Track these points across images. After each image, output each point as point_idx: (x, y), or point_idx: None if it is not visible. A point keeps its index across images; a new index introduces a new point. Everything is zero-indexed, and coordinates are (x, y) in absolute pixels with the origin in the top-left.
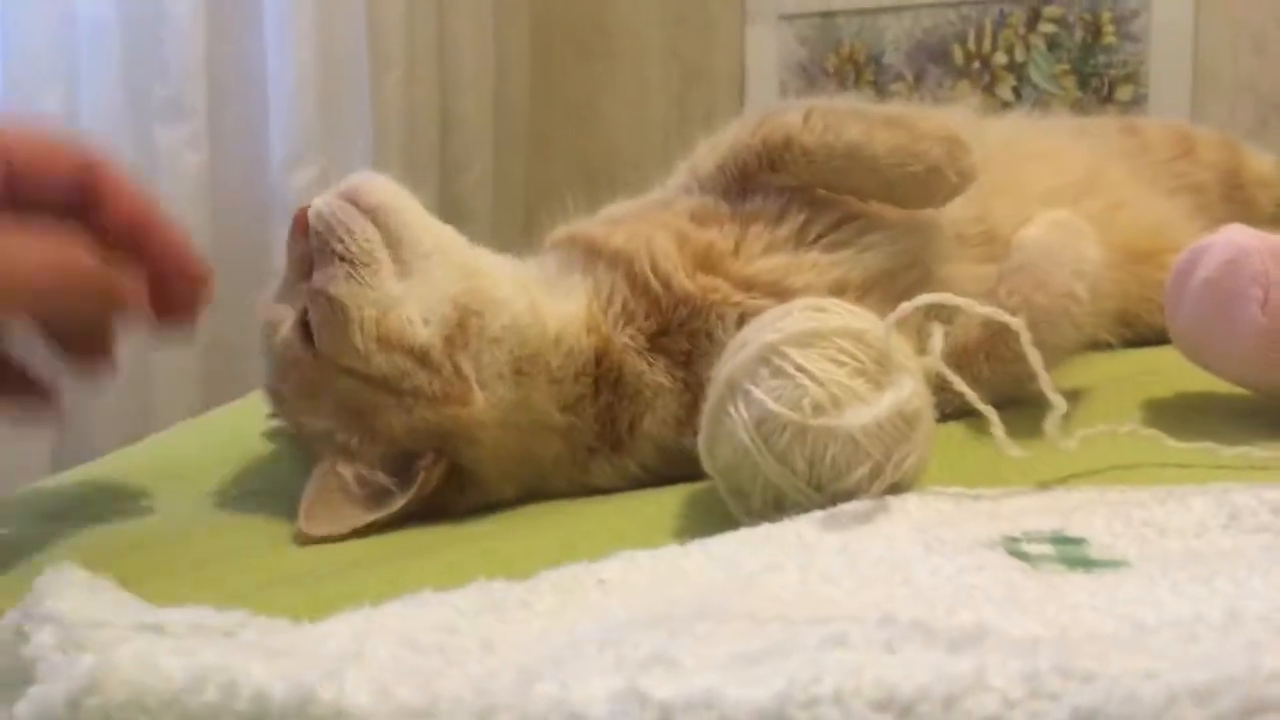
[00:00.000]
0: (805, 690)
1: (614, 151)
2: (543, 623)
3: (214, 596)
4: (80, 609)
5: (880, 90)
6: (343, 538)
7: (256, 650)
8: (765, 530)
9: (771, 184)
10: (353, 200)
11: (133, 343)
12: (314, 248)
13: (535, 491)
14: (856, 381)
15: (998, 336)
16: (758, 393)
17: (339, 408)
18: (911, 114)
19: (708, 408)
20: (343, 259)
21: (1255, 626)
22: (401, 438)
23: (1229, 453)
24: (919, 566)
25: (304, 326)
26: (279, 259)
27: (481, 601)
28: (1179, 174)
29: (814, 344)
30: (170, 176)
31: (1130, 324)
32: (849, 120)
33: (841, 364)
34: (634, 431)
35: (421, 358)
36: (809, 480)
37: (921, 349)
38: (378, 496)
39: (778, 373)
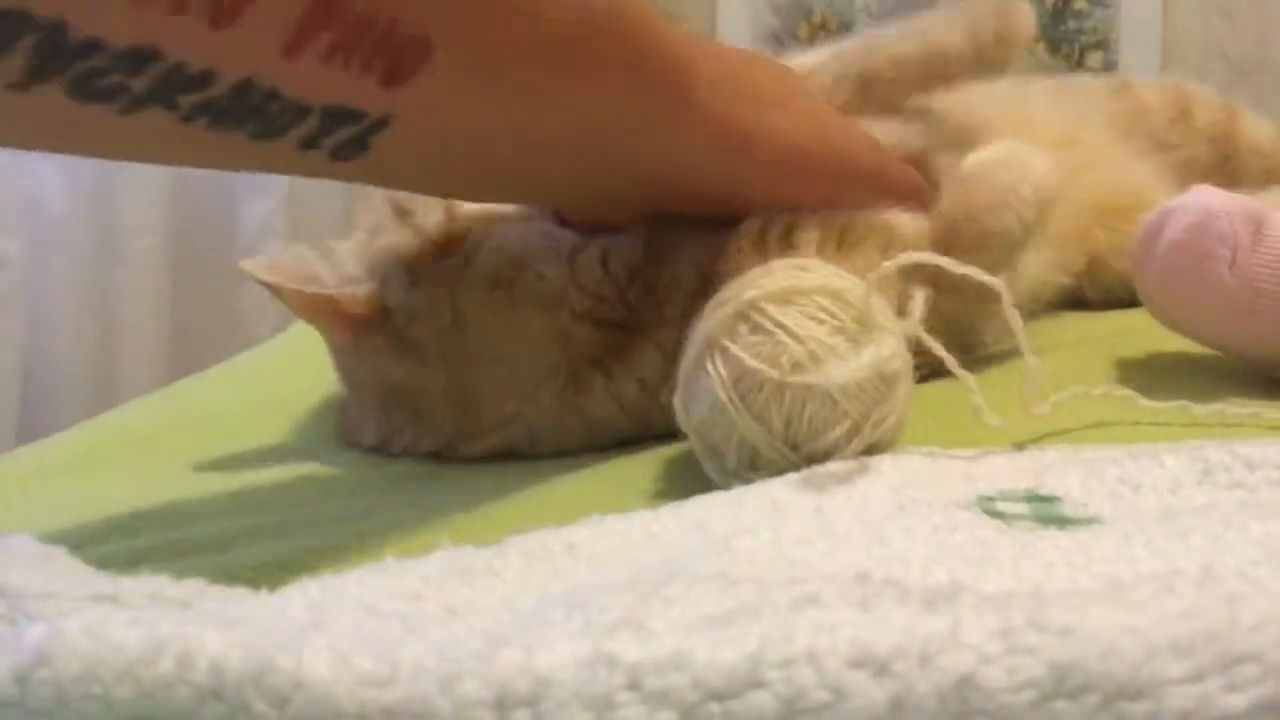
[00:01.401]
0: (779, 650)
1: None
2: (509, 588)
3: None
4: (31, 580)
5: None
6: None
7: (214, 619)
8: (738, 493)
9: None
10: None
11: (98, 317)
12: None
13: None
14: (836, 339)
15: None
16: (735, 349)
17: None
18: None
19: (684, 364)
20: None
21: (1232, 581)
22: None
23: (1203, 410)
24: (893, 527)
25: None
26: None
27: (447, 568)
28: (1169, 138)
29: (793, 301)
30: None
31: (1099, 275)
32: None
33: (821, 321)
34: None
35: None
36: (785, 439)
37: (903, 311)
38: None
39: (756, 329)
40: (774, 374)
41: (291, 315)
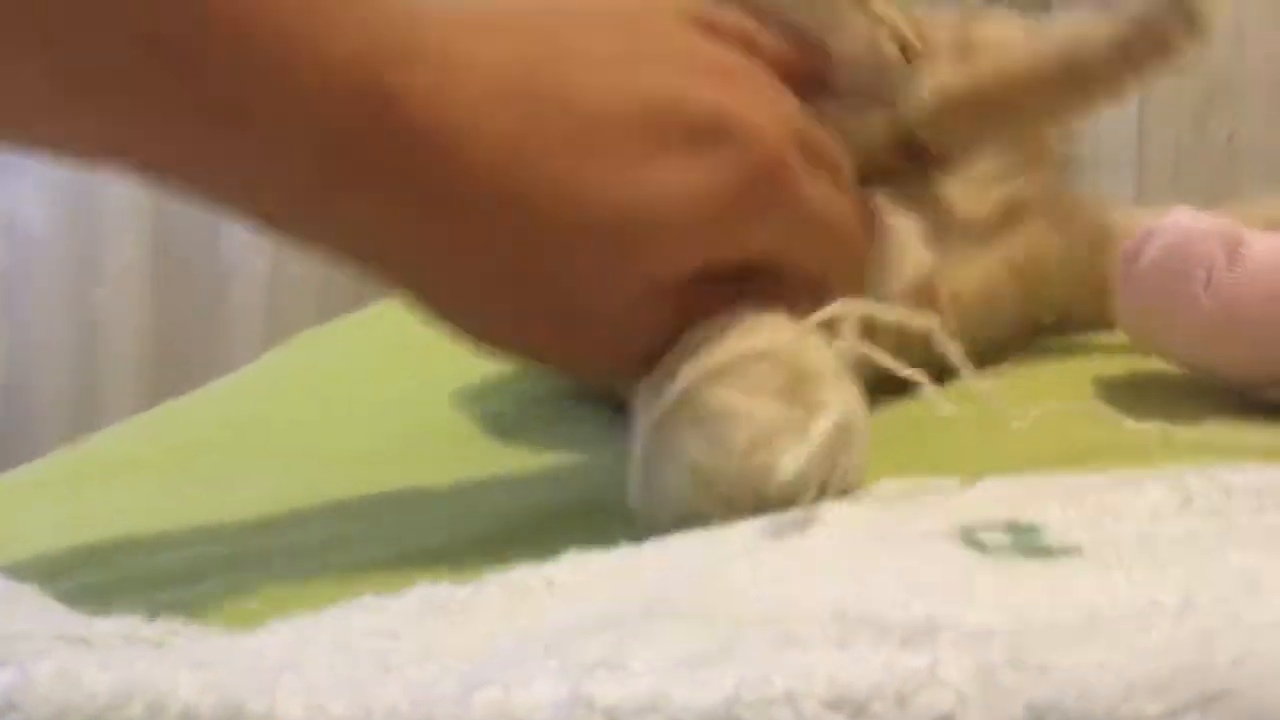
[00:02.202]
0: (756, 691)
1: None
2: (488, 626)
3: None
4: (0, 620)
5: None
6: None
7: (187, 661)
8: (718, 530)
9: None
10: None
11: (78, 330)
12: None
13: None
14: (779, 405)
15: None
16: (687, 444)
17: None
18: None
19: (636, 456)
20: None
21: (1210, 614)
22: None
23: (1184, 433)
24: (871, 561)
25: None
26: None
27: (425, 605)
28: None
29: (728, 376)
30: None
31: None
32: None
33: (761, 392)
34: None
35: None
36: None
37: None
38: None
39: (699, 420)
40: (732, 465)
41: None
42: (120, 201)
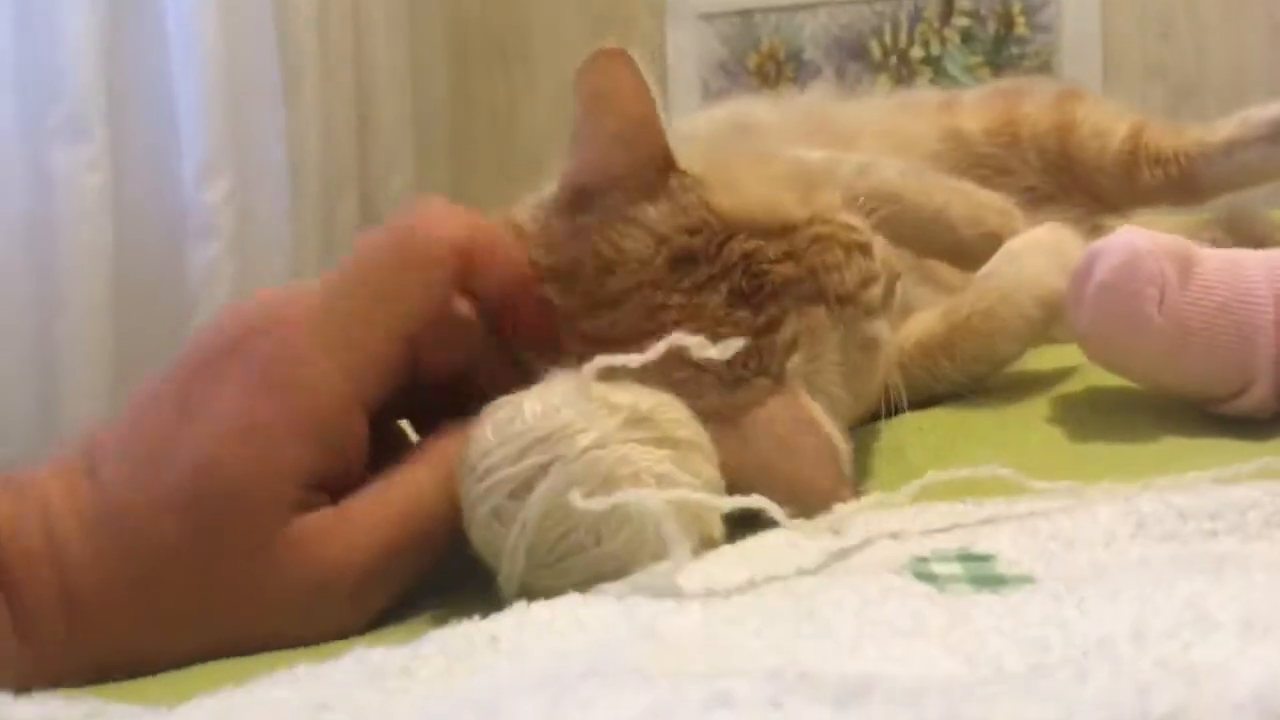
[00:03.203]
0: None
1: (538, 156)
2: (426, 689)
3: None
4: None
5: (802, 88)
6: None
7: None
8: (671, 569)
9: None
10: None
11: (41, 350)
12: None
13: None
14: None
15: (956, 334)
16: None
17: None
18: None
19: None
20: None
21: (1157, 649)
22: None
23: (1094, 490)
24: (824, 599)
25: None
26: (193, 274)
27: (359, 673)
28: (999, 164)
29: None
30: (68, 197)
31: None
32: (935, 183)
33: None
34: None
35: None
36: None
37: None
38: None
39: (557, 528)
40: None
41: None
42: (82, 229)
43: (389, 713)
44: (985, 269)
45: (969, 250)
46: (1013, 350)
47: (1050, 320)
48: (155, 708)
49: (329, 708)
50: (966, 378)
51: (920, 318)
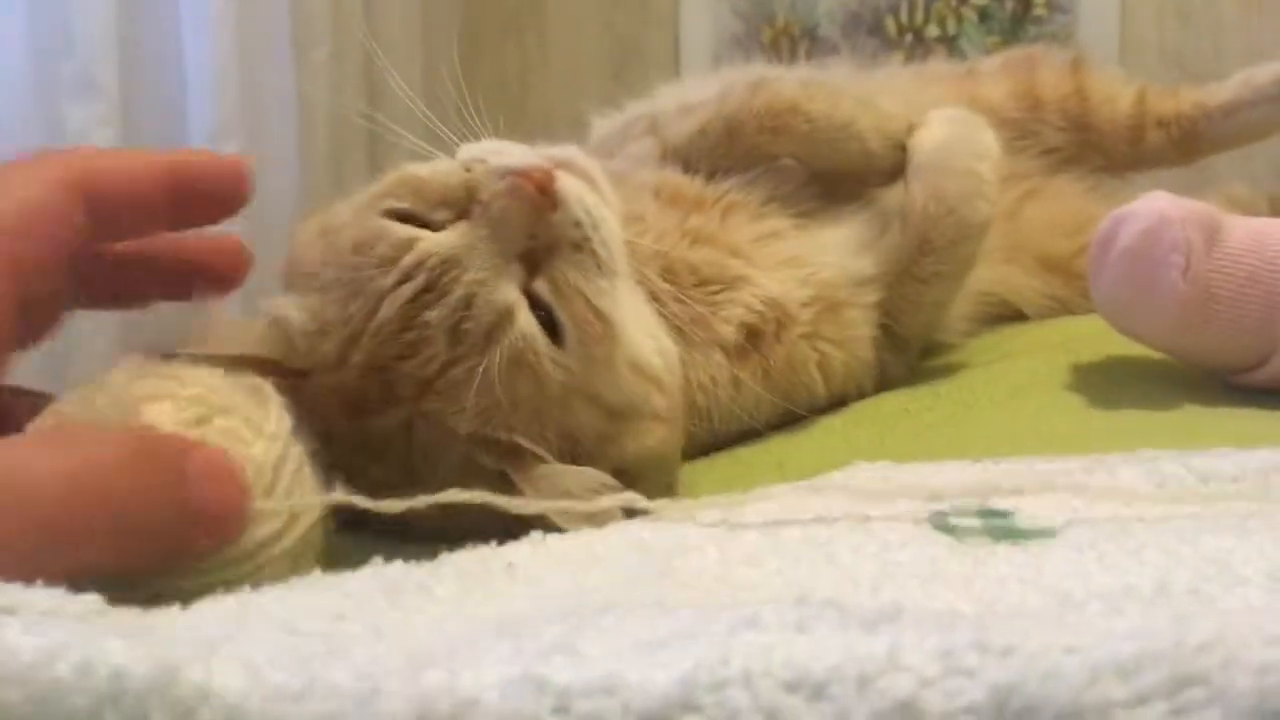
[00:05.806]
0: (712, 672)
1: (548, 128)
2: (442, 608)
3: None
4: None
5: (817, 63)
6: None
7: (119, 629)
8: (687, 507)
9: (757, 150)
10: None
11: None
12: (562, 238)
13: None
14: None
15: (923, 228)
16: None
17: (560, 431)
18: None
19: None
20: (602, 268)
21: (1183, 598)
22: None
23: (1163, 417)
24: (843, 544)
25: (551, 329)
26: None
27: (374, 585)
28: (1021, 128)
29: None
30: None
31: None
32: (839, 94)
33: None
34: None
35: (658, 384)
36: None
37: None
38: None
39: None
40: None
41: None
42: None
43: (405, 627)
44: (909, 163)
45: (879, 164)
46: (981, 210)
47: (997, 175)
48: (167, 608)
49: (344, 618)
50: (954, 263)
51: (879, 248)
